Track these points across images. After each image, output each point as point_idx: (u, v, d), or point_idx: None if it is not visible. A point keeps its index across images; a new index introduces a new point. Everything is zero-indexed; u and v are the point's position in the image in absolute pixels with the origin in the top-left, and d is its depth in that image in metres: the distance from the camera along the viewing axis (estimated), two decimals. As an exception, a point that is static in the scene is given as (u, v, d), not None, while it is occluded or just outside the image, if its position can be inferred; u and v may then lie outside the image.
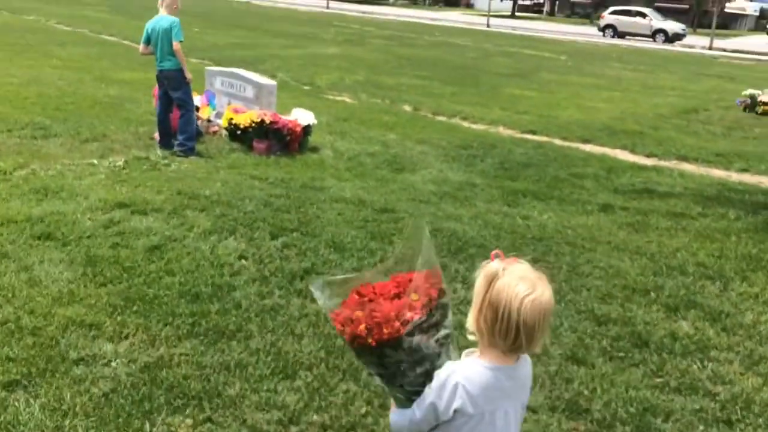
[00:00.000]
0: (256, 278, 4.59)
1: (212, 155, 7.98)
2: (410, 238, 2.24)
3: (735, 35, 52.47)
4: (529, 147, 9.86)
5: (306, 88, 13.86)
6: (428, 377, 1.83)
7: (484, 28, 40.62)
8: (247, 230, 5.43)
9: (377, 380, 1.97)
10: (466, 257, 5.20)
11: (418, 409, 1.84)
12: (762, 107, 14.60)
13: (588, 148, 10.40)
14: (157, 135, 8.52)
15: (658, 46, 37.91)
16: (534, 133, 11.22)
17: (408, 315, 1.80)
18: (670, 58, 29.28)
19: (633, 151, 10.40)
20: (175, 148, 7.93)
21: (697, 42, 40.14)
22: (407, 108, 12.75)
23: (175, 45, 7.72)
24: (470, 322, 1.81)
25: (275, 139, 8.32)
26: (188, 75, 7.92)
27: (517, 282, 1.72)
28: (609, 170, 8.82)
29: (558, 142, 10.59)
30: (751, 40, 44.14)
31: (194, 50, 14.86)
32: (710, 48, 37.81)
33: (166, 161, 7.48)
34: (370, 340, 1.79)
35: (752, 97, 14.99)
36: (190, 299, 4.26)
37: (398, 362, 1.83)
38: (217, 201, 6.12)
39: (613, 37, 41.03)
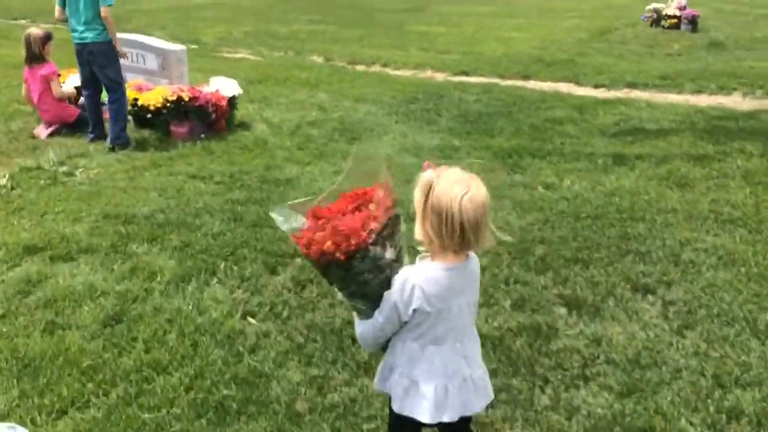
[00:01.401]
0: (287, 350, 3.15)
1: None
2: (357, 159, 2.42)
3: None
4: (476, 92, 8.73)
5: (193, 47, 11.85)
6: (387, 284, 1.90)
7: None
8: (230, 265, 3.92)
9: (340, 295, 2.03)
10: (540, 266, 3.98)
11: (380, 315, 1.92)
12: (668, 21, 14.26)
13: (531, 84, 9.49)
14: (40, 130, 6.59)
15: None
16: (467, 74, 10.18)
17: (372, 225, 1.85)
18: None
19: (578, 83, 9.61)
20: (108, 143, 6.23)
21: None
22: (318, 59, 11.20)
23: (104, 11, 5.92)
24: (418, 233, 1.88)
25: (198, 120, 6.64)
26: (120, 48, 6.08)
27: (452, 185, 1.80)
28: (578, 110, 7.88)
29: (499, 81, 9.55)
30: None
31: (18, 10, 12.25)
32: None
33: (65, 168, 5.67)
34: (338, 255, 1.82)
35: (657, 11, 14.62)
36: (213, 419, 2.69)
37: (362, 272, 1.86)
38: (165, 222, 4.51)
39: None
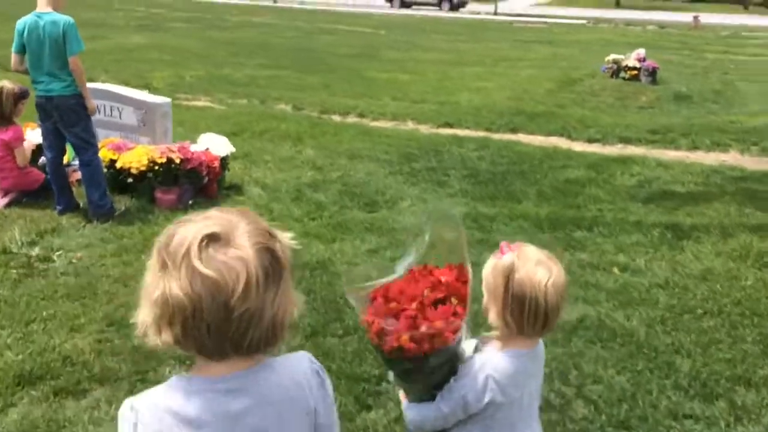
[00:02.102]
0: None
1: (84, 215, 5.18)
2: (434, 228, 1.68)
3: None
4: (473, 147, 8.10)
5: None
6: (452, 371, 1.75)
7: (271, 3, 38.10)
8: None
9: (396, 380, 1.82)
10: (700, 389, 3.25)
11: (444, 404, 1.75)
12: (629, 72, 14.27)
13: (526, 139, 8.98)
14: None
15: (445, 14, 38.20)
16: (451, 126, 9.60)
17: (456, 323, 1.66)
18: (474, 26, 29.27)
19: (570, 137, 9.18)
20: (91, 213, 5.18)
21: (479, 8, 41.40)
22: (286, 108, 10.35)
23: (72, 60, 4.91)
24: (494, 319, 1.74)
25: (189, 184, 5.67)
26: (91, 102, 5.06)
27: (535, 269, 1.69)
28: (594, 169, 7.38)
29: (492, 135, 8.99)
30: (509, 4, 45.56)
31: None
32: (496, 13, 39.02)
33: (37, 250, 4.58)
34: (418, 353, 1.62)
35: (617, 62, 14.62)
36: None
37: (433, 368, 1.70)
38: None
39: (400, 7, 40.67)
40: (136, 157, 5.56)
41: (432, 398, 1.76)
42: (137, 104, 5.94)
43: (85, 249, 4.66)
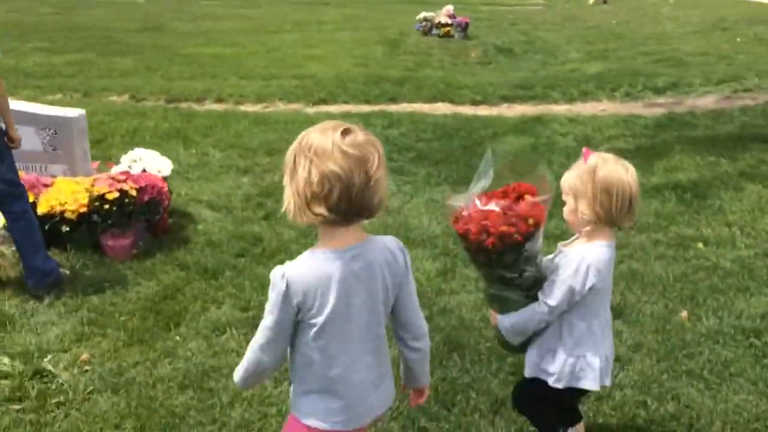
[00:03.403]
0: None
1: (24, 291, 3.60)
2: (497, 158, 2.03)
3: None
4: (385, 125, 7.39)
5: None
6: (539, 272, 2.09)
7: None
8: None
9: (495, 287, 2.13)
10: None
11: (551, 298, 2.05)
12: (442, 29, 14.32)
13: (418, 108, 8.44)
14: None
15: None
16: (326, 102, 8.76)
17: (542, 209, 2.03)
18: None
19: (453, 102, 8.87)
20: (32, 285, 3.61)
21: None
22: (125, 99, 8.56)
23: None
24: (587, 212, 2.03)
25: (144, 220, 4.23)
26: (14, 132, 3.41)
27: (615, 166, 2.03)
28: (526, 133, 7.13)
29: (381, 108, 8.31)
30: None
31: None
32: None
33: (20, 365, 3.00)
34: (516, 236, 1.96)
35: (428, 20, 14.60)
36: None
37: (529, 257, 2.03)
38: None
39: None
40: (65, 195, 3.96)
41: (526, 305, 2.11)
42: (41, 122, 4.22)
43: (77, 343, 3.18)
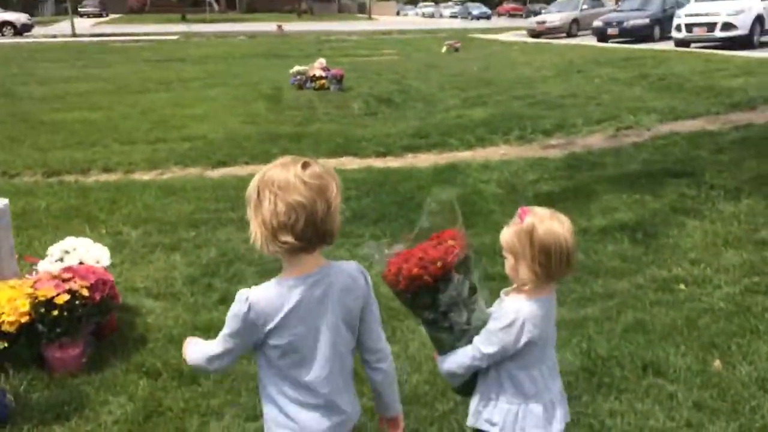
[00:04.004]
0: None
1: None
2: (434, 211, 2.26)
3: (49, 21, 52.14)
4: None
5: None
6: (470, 317, 2.10)
7: None
8: None
9: (426, 328, 2.19)
10: None
11: (485, 346, 2.05)
12: (318, 82, 14.22)
13: (327, 164, 8.10)
14: None
15: (10, 39, 33.63)
16: (225, 164, 8.26)
17: (453, 253, 2.06)
18: (71, 49, 26.03)
19: (358, 155, 8.70)
20: None
21: (41, 31, 38.63)
22: (31, 178, 7.51)
23: None
24: (525, 274, 2.02)
25: (94, 323, 3.58)
26: None
27: (551, 223, 2.00)
28: (447, 183, 7.04)
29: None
30: (64, 25, 42.66)
31: None
32: (74, 35, 35.54)
33: None
34: (426, 277, 2.02)
35: (302, 74, 14.44)
36: None
37: (449, 301, 2.07)
38: None
39: None
40: (0, 305, 3.26)
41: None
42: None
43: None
